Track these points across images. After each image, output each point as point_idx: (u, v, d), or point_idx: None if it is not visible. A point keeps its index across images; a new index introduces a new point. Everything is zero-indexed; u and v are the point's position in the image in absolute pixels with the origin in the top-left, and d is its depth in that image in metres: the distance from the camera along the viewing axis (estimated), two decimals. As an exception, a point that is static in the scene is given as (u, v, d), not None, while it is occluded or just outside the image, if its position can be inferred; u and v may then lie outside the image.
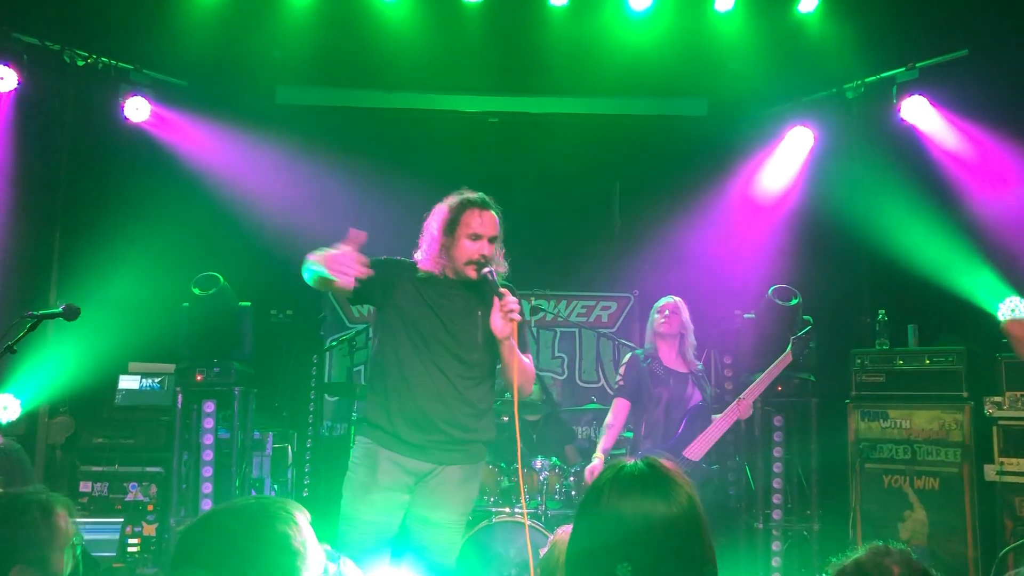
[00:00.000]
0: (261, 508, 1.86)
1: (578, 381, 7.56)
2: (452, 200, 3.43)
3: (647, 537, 1.67)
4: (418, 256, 3.46)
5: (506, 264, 3.47)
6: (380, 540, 3.35)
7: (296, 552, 1.82)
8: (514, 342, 3.29)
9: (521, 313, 3.29)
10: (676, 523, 1.68)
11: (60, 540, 2.25)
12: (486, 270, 3.30)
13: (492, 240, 3.38)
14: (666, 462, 1.79)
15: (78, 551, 2.32)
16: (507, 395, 6.60)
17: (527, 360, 3.42)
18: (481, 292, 3.35)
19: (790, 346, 5.00)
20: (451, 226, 3.37)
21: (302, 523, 1.87)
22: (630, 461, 1.79)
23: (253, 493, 5.82)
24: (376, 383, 3.46)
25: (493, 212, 3.41)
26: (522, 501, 3.53)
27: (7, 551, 2.18)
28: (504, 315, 3.22)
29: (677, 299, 5.14)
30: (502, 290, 3.25)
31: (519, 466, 3.38)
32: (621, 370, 5.19)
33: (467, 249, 3.34)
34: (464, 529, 3.53)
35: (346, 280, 3.06)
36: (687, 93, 6.98)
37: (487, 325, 3.30)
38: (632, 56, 6.23)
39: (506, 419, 6.25)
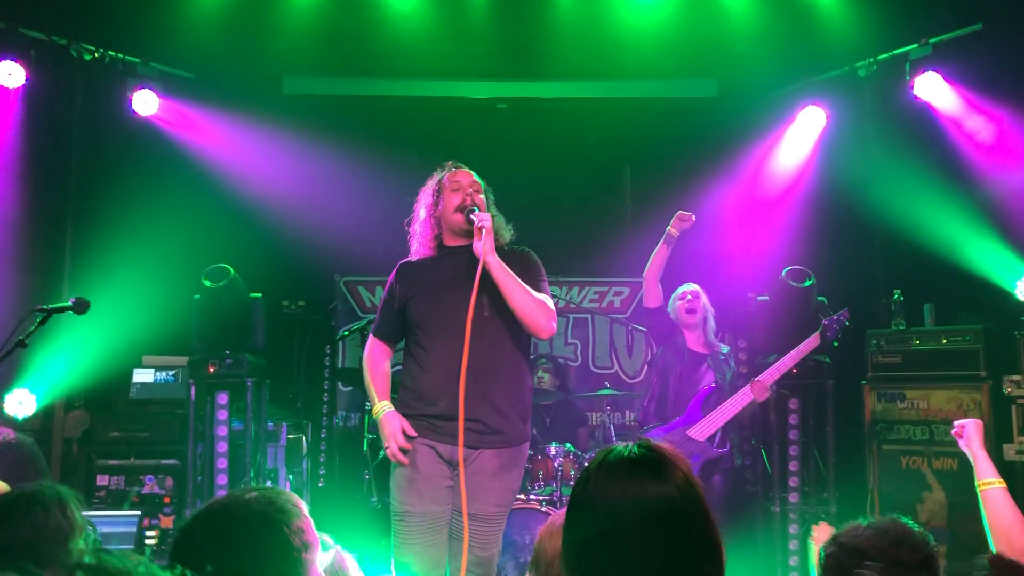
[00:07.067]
0: (263, 509, 1.80)
1: (592, 367, 7.53)
2: (429, 181, 3.60)
3: (641, 523, 1.56)
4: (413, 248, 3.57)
5: (511, 230, 3.58)
6: (436, 531, 3.31)
7: (300, 551, 1.78)
8: (495, 260, 3.29)
9: (530, 262, 3.51)
10: (671, 507, 1.57)
11: (78, 532, 2.21)
12: (470, 213, 3.39)
13: (473, 188, 3.51)
14: (663, 444, 1.68)
15: (92, 541, 2.27)
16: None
17: (538, 293, 3.43)
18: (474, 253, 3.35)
19: (820, 328, 4.94)
20: (437, 195, 3.53)
21: (306, 517, 1.84)
22: (623, 444, 1.68)
23: (269, 484, 5.82)
24: (404, 375, 3.50)
25: (467, 169, 3.58)
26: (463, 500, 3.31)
27: (27, 551, 2.09)
28: (476, 232, 3.31)
29: (696, 285, 5.15)
30: (474, 215, 3.35)
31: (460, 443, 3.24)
32: None
33: (453, 201, 3.48)
34: (505, 520, 3.41)
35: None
36: (697, 74, 6.89)
37: (485, 273, 3.31)
38: (641, 38, 6.17)
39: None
